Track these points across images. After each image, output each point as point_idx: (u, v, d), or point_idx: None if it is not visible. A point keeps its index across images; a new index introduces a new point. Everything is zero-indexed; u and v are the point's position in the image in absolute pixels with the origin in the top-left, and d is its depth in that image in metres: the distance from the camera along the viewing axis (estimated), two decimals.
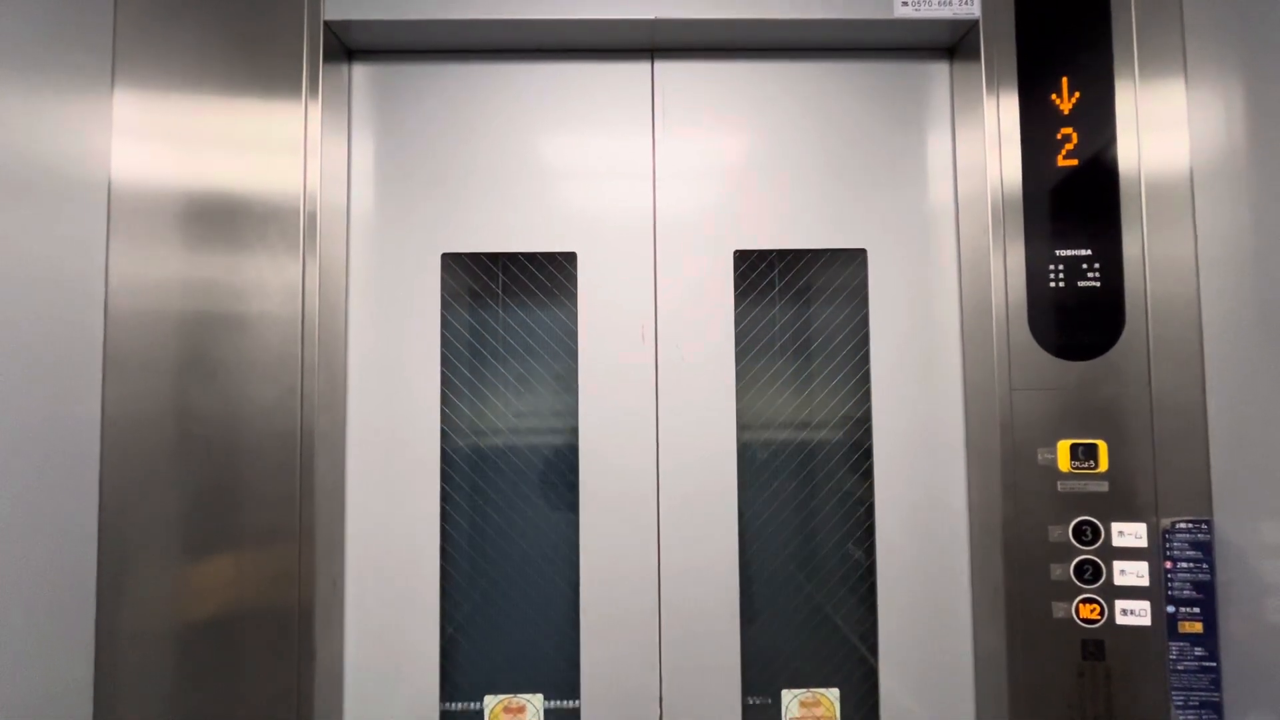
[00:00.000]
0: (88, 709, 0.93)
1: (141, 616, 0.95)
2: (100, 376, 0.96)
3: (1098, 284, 1.01)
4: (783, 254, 1.14)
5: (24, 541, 0.84)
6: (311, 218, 0.99)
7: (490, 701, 1.12)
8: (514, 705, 1.11)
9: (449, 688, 1.11)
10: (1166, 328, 0.99)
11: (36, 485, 0.86)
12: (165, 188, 0.99)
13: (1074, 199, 1.02)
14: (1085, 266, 1.01)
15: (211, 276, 0.98)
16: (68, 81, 0.93)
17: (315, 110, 1.00)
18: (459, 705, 1.11)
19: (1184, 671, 0.96)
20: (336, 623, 1.05)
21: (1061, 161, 1.02)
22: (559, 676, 1.11)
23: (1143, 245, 1.00)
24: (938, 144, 1.13)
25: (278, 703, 0.96)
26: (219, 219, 0.99)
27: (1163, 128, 1.01)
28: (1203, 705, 0.95)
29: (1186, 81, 1.01)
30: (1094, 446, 1.00)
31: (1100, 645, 0.98)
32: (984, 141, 1.03)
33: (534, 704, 1.11)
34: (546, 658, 1.12)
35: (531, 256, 1.13)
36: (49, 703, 0.88)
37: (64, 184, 0.92)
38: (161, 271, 0.98)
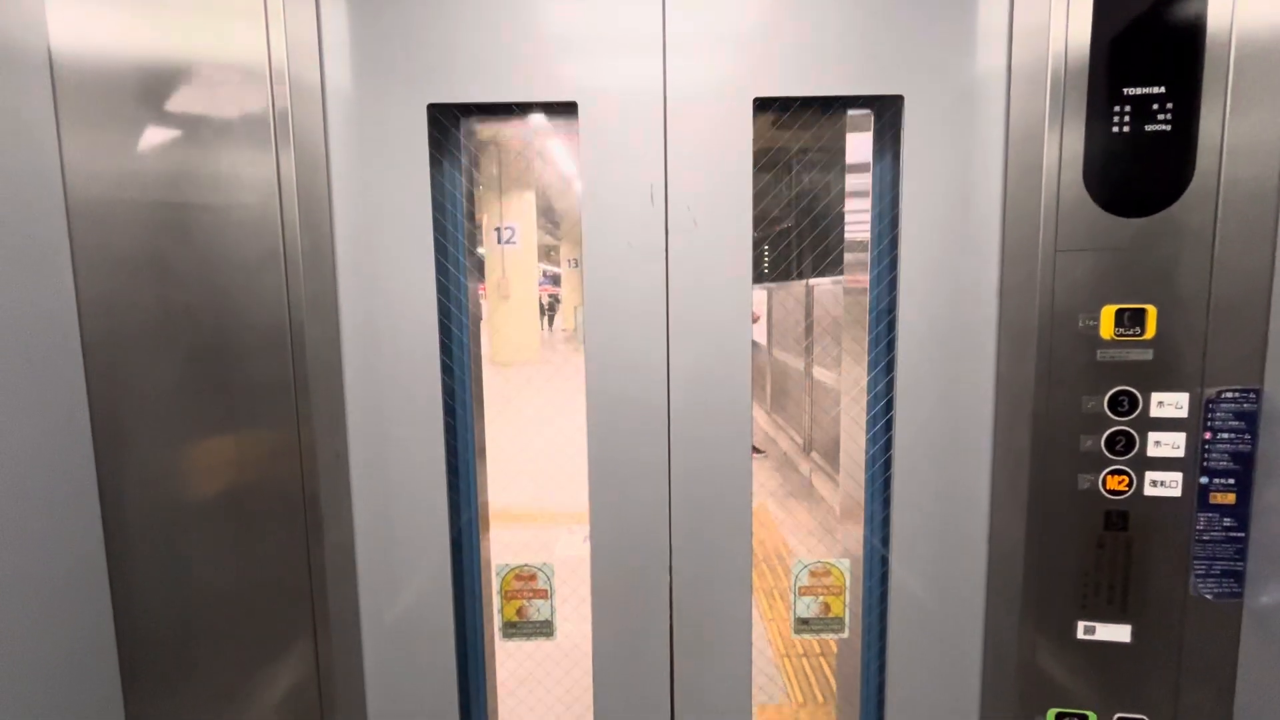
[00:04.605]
0: (104, 583, 0.95)
1: (145, 498, 0.95)
2: (70, 268, 0.90)
3: (1168, 127, 0.89)
4: (809, 101, 1.01)
5: (13, 433, 0.82)
6: (280, 90, 0.89)
7: (502, 570, 1.13)
8: (525, 573, 1.13)
9: (460, 561, 1.12)
10: (1241, 173, 0.88)
11: (19, 375, 0.83)
12: (113, 61, 0.88)
13: (1152, 21, 0.87)
14: (1156, 106, 0.89)
15: (177, 161, 0.90)
16: None
17: None
18: (473, 577, 1.13)
19: (1209, 541, 0.93)
20: (344, 499, 1.04)
21: None
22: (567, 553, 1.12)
23: (1227, 82, 0.87)
24: None
25: (290, 575, 0.98)
26: (177, 97, 0.89)
27: None
28: (1224, 574, 0.93)
29: None
30: (1141, 312, 0.92)
31: (1124, 516, 0.95)
32: None
33: (544, 572, 1.13)
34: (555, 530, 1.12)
35: (526, 107, 1.02)
36: (67, 580, 0.90)
37: None
38: (121, 158, 0.90)
